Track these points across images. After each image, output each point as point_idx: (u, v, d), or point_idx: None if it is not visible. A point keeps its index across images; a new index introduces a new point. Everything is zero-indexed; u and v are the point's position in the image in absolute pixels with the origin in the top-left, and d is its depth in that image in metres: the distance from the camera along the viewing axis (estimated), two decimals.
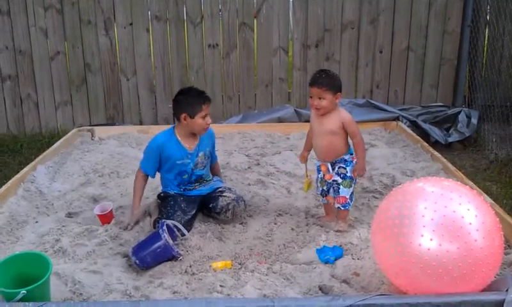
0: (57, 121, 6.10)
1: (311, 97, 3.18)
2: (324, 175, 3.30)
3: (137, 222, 3.40)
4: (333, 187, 3.28)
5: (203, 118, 3.37)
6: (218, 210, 3.41)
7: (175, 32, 5.94)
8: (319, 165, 3.33)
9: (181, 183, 3.49)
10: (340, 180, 3.23)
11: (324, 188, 3.34)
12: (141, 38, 5.92)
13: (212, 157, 3.73)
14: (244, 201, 3.50)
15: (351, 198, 3.27)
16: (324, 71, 3.21)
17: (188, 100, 3.38)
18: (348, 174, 3.21)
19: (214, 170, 3.82)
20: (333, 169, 3.24)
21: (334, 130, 3.17)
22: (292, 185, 4.06)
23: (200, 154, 3.49)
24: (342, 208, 3.27)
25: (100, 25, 5.88)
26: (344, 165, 3.21)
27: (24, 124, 6.08)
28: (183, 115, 3.36)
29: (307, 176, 3.53)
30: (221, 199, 3.42)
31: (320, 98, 3.12)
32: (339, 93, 3.17)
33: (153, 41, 5.98)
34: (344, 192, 3.23)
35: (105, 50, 5.95)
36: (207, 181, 3.58)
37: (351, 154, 3.24)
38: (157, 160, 3.45)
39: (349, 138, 3.24)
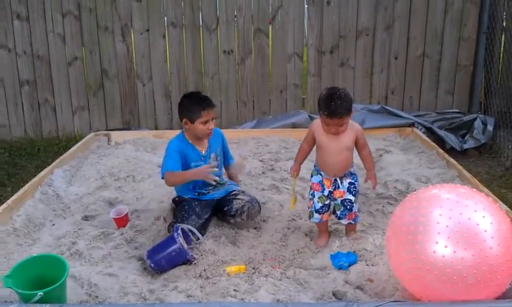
0: (74, 125, 6.17)
1: (327, 125, 2.99)
2: (331, 191, 3.14)
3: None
4: (345, 206, 3.14)
5: (204, 123, 3.35)
6: (233, 213, 3.42)
7: (190, 38, 5.99)
8: (321, 180, 3.15)
9: (196, 187, 3.51)
10: (353, 198, 3.13)
11: (326, 203, 3.16)
12: (157, 44, 5.98)
13: (227, 159, 3.75)
14: (259, 203, 3.51)
15: (358, 209, 3.22)
16: (337, 97, 2.90)
17: (188, 105, 3.40)
18: (357, 189, 3.16)
19: (230, 172, 3.84)
20: (342, 184, 3.11)
21: (350, 145, 3.08)
22: (305, 190, 4.05)
23: (212, 155, 3.52)
24: (354, 222, 3.20)
25: (117, 32, 5.94)
26: (353, 180, 3.13)
27: (41, 128, 6.16)
28: (184, 120, 3.41)
29: (293, 193, 3.37)
30: (235, 202, 3.44)
31: (342, 125, 2.97)
32: (353, 110, 3.02)
33: (169, 47, 6.03)
34: (355, 208, 3.16)
35: (122, 56, 6.01)
36: (221, 184, 3.60)
37: (353, 166, 3.17)
38: (180, 160, 3.40)
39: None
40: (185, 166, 3.44)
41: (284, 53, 6.03)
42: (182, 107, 3.45)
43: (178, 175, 3.36)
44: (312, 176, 3.23)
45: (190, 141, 3.47)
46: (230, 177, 3.83)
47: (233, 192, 3.54)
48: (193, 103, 3.38)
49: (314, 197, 3.19)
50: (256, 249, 3.19)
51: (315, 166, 3.21)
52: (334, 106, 2.90)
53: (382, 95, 6.13)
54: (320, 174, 3.15)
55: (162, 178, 3.38)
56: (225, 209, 3.47)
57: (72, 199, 3.96)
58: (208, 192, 3.54)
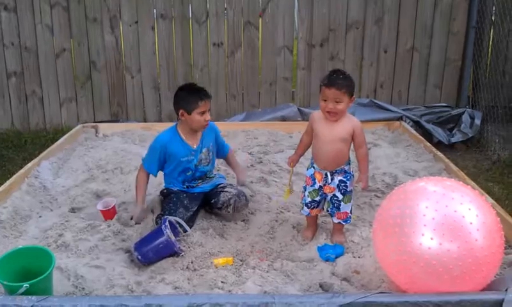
0: (62, 117, 6.13)
1: (324, 100, 2.92)
2: (322, 186, 3.08)
3: (139, 221, 3.40)
4: (333, 203, 3.08)
5: (201, 114, 3.34)
6: (220, 205, 3.42)
7: (180, 30, 5.96)
8: (313, 174, 3.10)
9: (185, 180, 3.51)
10: (341, 197, 3.05)
11: (316, 199, 3.11)
12: (146, 36, 5.95)
13: (222, 149, 3.76)
14: (246, 196, 3.51)
15: (351, 211, 3.12)
16: (340, 72, 2.94)
17: (185, 96, 3.38)
18: (349, 189, 3.05)
19: (230, 163, 3.88)
20: (332, 180, 3.04)
21: (345, 137, 2.97)
22: (294, 183, 4.05)
23: (204, 150, 3.50)
24: (343, 223, 3.12)
25: (106, 23, 5.90)
26: (344, 178, 3.03)
27: (28, 120, 6.12)
28: (180, 111, 3.38)
29: (289, 184, 3.32)
30: (222, 194, 3.43)
31: (337, 102, 2.89)
32: (354, 97, 2.97)
33: (158, 40, 6.00)
34: (346, 207, 3.07)
35: (111, 47, 5.97)
36: (209, 178, 3.60)
37: (349, 164, 3.08)
38: (160, 160, 3.45)
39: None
40: (174, 162, 3.44)
41: (274, 46, 6.03)
42: (178, 98, 3.43)
43: (138, 189, 3.48)
44: (307, 169, 3.20)
45: (182, 136, 3.45)
46: (231, 166, 3.88)
47: (221, 185, 3.53)
48: (191, 94, 3.37)
49: (305, 190, 3.17)
50: (244, 242, 3.19)
51: (311, 159, 3.17)
52: (334, 77, 2.90)
53: (371, 89, 6.15)
54: (314, 168, 3.11)
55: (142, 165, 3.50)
56: (212, 201, 3.47)
57: (59, 191, 3.94)
58: (197, 185, 3.54)
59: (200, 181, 3.55)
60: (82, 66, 6.03)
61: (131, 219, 3.37)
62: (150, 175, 3.53)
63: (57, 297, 2.47)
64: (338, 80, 2.88)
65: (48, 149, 4.66)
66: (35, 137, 5.85)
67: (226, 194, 3.42)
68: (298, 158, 3.26)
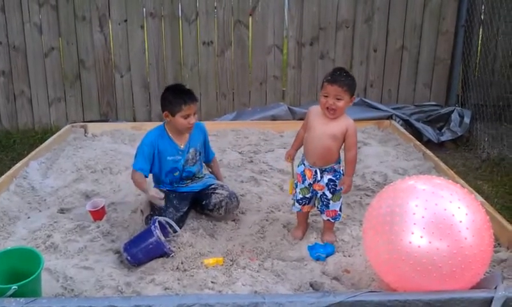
0: (51, 117, 6.08)
1: (325, 96, 2.93)
2: (311, 183, 3.10)
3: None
4: (322, 201, 3.10)
5: (185, 117, 3.29)
6: (211, 207, 3.41)
7: (169, 29, 5.93)
8: (303, 170, 3.12)
9: (173, 181, 3.48)
10: (330, 195, 3.07)
11: (307, 196, 3.14)
12: (135, 34, 5.92)
13: (207, 154, 3.70)
14: (237, 198, 3.50)
15: (340, 209, 3.14)
16: (344, 70, 2.99)
17: (170, 98, 3.33)
18: (338, 188, 3.06)
19: (212, 169, 3.79)
20: (322, 178, 3.05)
21: (336, 135, 2.97)
22: (284, 182, 4.07)
23: (191, 150, 3.47)
24: (332, 221, 3.14)
25: (95, 22, 5.86)
26: (334, 177, 3.04)
27: (17, 120, 6.06)
28: (165, 112, 3.35)
29: (293, 176, 3.28)
30: (213, 196, 3.42)
31: (337, 99, 2.91)
32: (354, 97, 3.00)
33: (148, 38, 5.97)
34: (335, 206, 3.09)
35: (100, 46, 5.93)
36: (199, 178, 3.58)
37: (339, 163, 3.09)
38: (150, 157, 3.38)
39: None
40: (161, 160, 3.40)
41: (264, 45, 6.02)
42: (163, 99, 3.37)
43: (140, 184, 3.34)
44: (298, 166, 3.21)
45: (170, 134, 3.41)
46: (213, 173, 3.79)
47: (212, 186, 3.51)
48: (175, 96, 3.31)
49: (297, 187, 3.18)
50: (234, 241, 3.18)
51: (302, 155, 3.17)
52: (338, 74, 2.94)
53: (361, 88, 6.15)
54: (304, 164, 3.12)
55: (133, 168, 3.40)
56: (203, 203, 3.46)
57: (47, 192, 3.91)
58: (187, 185, 3.52)
59: (188, 181, 3.53)
60: (70, 65, 5.98)
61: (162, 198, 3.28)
62: None
63: (46, 298, 2.45)
64: (341, 77, 2.92)
65: (36, 149, 4.63)
66: (23, 137, 5.80)
67: (218, 196, 3.41)
68: (295, 152, 3.26)
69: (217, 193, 3.44)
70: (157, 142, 3.38)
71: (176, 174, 3.46)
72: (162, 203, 3.26)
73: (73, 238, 3.17)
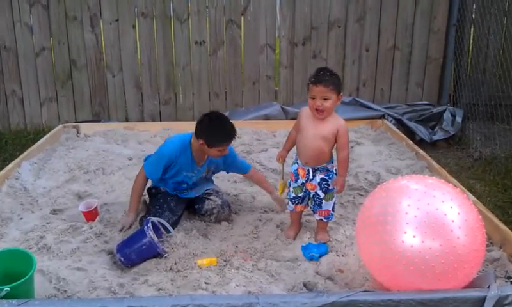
0: (42, 117, 6.05)
1: (313, 98, 2.92)
2: (304, 182, 3.10)
3: (130, 227, 3.31)
4: (315, 200, 3.11)
5: (220, 151, 3.21)
6: (203, 212, 3.42)
7: (161, 28, 5.92)
8: (296, 169, 3.12)
9: (176, 189, 3.44)
10: (322, 195, 3.07)
11: (300, 195, 3.14)
12: (127, 34, 5.89)
13: (240, 169, 3.57)
14: (230, 207, 3.49)
15: (333, 209, 3.14)
16: (327, 69, 2.97)
17: (213, 132, 3.16)
18: (330, 187, 3.06)
19: (253, 181, 3.68)
20: (314, 177, 3.06)
21: (327, 136, 2.97)
22: (278, 182, 4.06)
23: (206, 168, 3.42)
24: (325, 220, 3.14)
25: (86, 22, 5.83)
26: (326, 177, 3.05)
27: (8, 120, 6.02)
28: (201, 140, 3.16)
29: (282, 178, 3.31)
30: (207, 202, 3.42)
31: (325, 99, 2.90)
32: (341, 94, 2.98)
33: (140, 38, 5.95)
34: (327, 205, 3.09)
35: (91, 46, 5.91)
36: (198, 186, 3.52)
37: (332, 163, 3.09)
38: (165, 167, 3.30)
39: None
40: (175, 172, 3.33)
41: (256, 44, 6.01)
42: (204, 128, 3.17)
43: (136, 191, 3.35)
44: (291, 165, 3.21)
45: (193, 152, 3.30)
46: (257, 184, 3.68)
47: (207, 191, 3.49)
48: (220, 133, 3.16)
49: (290, 186, 3.19)
50: (228, 242, 3.18)
51: (295, 155, 3.17)
52: (321, 74, 2.92)
53: (353, 87, 6.17)
54: (297, 163, 3.12)
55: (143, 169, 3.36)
56: (196, 207, 3.46)
57: (39, 193, 3.88)
58: (187, 191, 3.46)
59: (189, 189, 3.48)
60: (62, 66, 5.95)
61: (120, 230, 3.26)
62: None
63: (39, 300, 2.44)
64: (325, 77, 2.91)
65: (28, 150, 4.60)
66: (15, 137, 5.76)
67: (211, 203, 3.40)
68: (287, 153, 3.26)
69: (210, 199, 3.42)
70: (178, 156, 3.28)
71: (184, 185, 3.41)
72: (119, 228, 3.27)
73: (66, 239, 3.15)
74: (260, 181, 3.63)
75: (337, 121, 3.00)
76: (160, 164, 3.30)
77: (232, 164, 3.52)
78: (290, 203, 3.20)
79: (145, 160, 3.51)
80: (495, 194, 4.21)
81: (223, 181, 4.02)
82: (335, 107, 2.97)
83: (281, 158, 3.25)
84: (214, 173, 3.57)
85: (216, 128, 3.17)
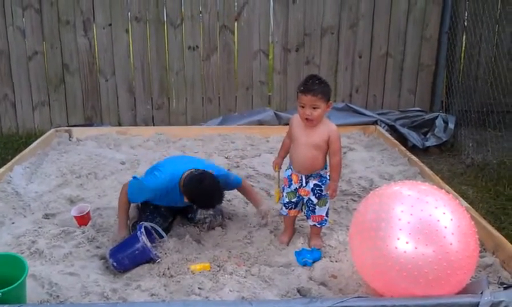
0: (35, 121, 6.03)
1: (302, 106, 2.92)
2: (297, 188, 3.10)
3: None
4: (308, 206, 3.11)
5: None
6: (196, 221, 3.41)
7: (154, 33, 5.92)
8: (290, 175, 3.12)
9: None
10: (315, 200, 3.07)
11: (293, 200, 3.13)
12: (120, 38, 5.89)
13: (231, 186, 3.46)
14: (222, 214, 3.49)
15: (327, 214, 3.13)
16: (316, 77, 2.94)
17: (199, 197, 3.05)
18: (323, 193, 3.06)
19: (244, 194, 3.57)
20: (307, 183, 3.06)
21: (320, 144, 2.97)
22: (271, 187, 4.07)
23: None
24: (319, 226, 3.13)
25: (79, 26, 5.82)
26: (320, 182, 3.04)
27: (0, 124, 5.99)
28: (186, 198, 3.08)
29: (278, 185, 3.28)
30: (199, 211, 3.40)
31: (314, 108, 2.89)
32: (331, 102, 2.97)
33: (133, 42, 5.94)
34: (321, 211, 3.09)
35: (84, 50, 5.90)
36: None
37: (326, 168, 3.08)
38: (149, 198, 3.26)
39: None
40: (164, 199, 3.24)
41: (250, 50, 6.02)
42: (192, 189, 3.04)
43: (121, 212, 3.28)
44: (285, 170, 3.21)
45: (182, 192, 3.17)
46: (247, 196, 3.59)
47: None
48: (204, 200, 3.07)
49: (284, 191, 3.19)
50: (221, 247, 3.17)
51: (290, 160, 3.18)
52: (310, 83, 2.90)
53: (346, 93, 6.19)
54: (291, 169, 3.13)
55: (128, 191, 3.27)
56: (189, 216, 3.45)
57: (31, 197, 3.86)
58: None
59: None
60: (54, 70, 5.94)
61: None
62: None
63: (31, 305, 2.43)
64: (314, 86, 2.89)
65: (20, 154, 4.58)
66: (7, 141, 5.73)
67: (203, 212, 3.38)
68: (282, 161, 3.26)
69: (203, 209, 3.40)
70: (164, 193, 3.19)
71: (174, 205, 3.35)
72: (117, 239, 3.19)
73: (58, 244, 3.13)
74: (249, 193, 3.54)
75: (328, 127, 3.00)
76: (144, 195, 3.23)
77: (226, 185, 3.35)
78: (283, 207, 3.21)
79: (134, 178, 3.36)
80: (487, 200, 4.23)
81: None
82: (324, 114, 2.97)
83: (277, 166, 3.24)
84: None
85: (202, 195, 3.05)
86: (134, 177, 3.37)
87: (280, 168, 3.25)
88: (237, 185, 3.49)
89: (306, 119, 2.94)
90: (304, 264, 2.94)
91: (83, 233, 3.27)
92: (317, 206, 3.09)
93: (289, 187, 3.14)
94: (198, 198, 3.05)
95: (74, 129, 5.51)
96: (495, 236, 3.04)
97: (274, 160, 3.28)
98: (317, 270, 2.86)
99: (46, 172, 4.37)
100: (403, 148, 4.86)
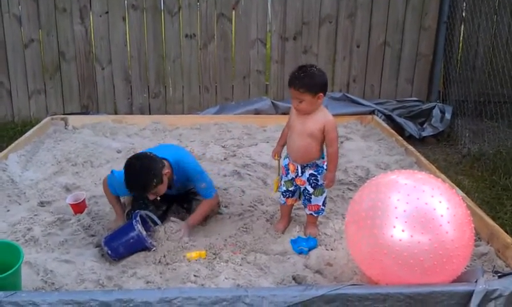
0: (30, 109, 6.00)
1: (291, 97, 2.94)
2: (294, 178, 3.11)
3: None
4: (304, 195, 3.11)
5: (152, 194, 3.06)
6: (191, 212, 3.37)
7: (151, 21, 5.88)
8: (287, 164, 3.12)
9: None
10: (311, 190, 3.07)
11: (290, 189, 3.14)
12: (117, 26, 5.85)
13: (198, 187, 3.32)
14: (218, 202, 3.48)
15: (324, 204, 3.13)
16: (303, 69, 2.90)
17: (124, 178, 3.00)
18: (320, 183, 3.05)
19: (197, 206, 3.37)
20: (303, 173, 3.06)
21: (314, 133, 2.94)
22: (268, 176, 4.07)
23: (177, 187, 3.33)
24: (315, 215, 3.14)
25: (76, 13, 5.78)
26: (316, 172, 3.03)
27: None
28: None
29: (278, 174, 3.25)
30: (194, 202, 3.39)
31: (300, 101, 2.89)
32: (321, 93, 2.88)
33: (130, 30, 5.91)
34: (317, 200, 3.09)
35: (80, 38, 5.86)
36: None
37: (323, 158, 3.07)
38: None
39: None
40: None
41: (247, 39, 5.99)
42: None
43: (112, 202, 3.27)
44: (283, 159, 3.20)
45: None
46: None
47: (193, 190, 3.42)
48: (125, 180, 2.98)
49: (282, 179, 3.19)
50: (217, 235, 3.17)
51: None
52: (295, 75, 2.89)
53: (344, 83, 6.17)
54: (288, 158, 3.13)
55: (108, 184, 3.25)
56: (185, 206, 3.45)
57: (27, 185, 3.85)
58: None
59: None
60: (51, 57, 5.90)
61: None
62: None
63: (26, 292, 2.42)
64: (296, 80, 2.87)
65: (16, 141, 4.56)
66: (3, 129, 5.71)
67: (198, 203, 3.35)
68: (281, 149, 3.24)
69: (197, 199, 3.38)
70: None
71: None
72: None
73: (53, 232, 3.13)
74: (198, 209, 3.29)
75: (325, 117, 2.97)
76: (123, 191, 3.14)
77: (191, 181, 3.31)
78: (281, 196, 3.21)
79: (111, 172, 3.29)
80: (483, 189, 4.24)
81: (212, 175, 4.00)
82: (314, 105, 2.92)
83: (277, 155, 3.22)
84: (185, 186, 3.41)
85: (125, 174, 2.99)
86: (112, 171, 3.29)
87: (280, 157, 3.23)
88: (204, 195, 3.29)
89: (296, 109, 2.97)
90: (300, 252, 2.94)
91: (78, 220, 3.27)
92: (312, 196, 3.08)
93: (286, 175, 3.15)
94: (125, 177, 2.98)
95: (70, 117, 5.49)
96: (490, 226, 3.05)
97: (273, 149, 3.26)
98: (313, 258, 2.86)
99: (42, 160, 4.36)
100: (400, 138, 4.85)
